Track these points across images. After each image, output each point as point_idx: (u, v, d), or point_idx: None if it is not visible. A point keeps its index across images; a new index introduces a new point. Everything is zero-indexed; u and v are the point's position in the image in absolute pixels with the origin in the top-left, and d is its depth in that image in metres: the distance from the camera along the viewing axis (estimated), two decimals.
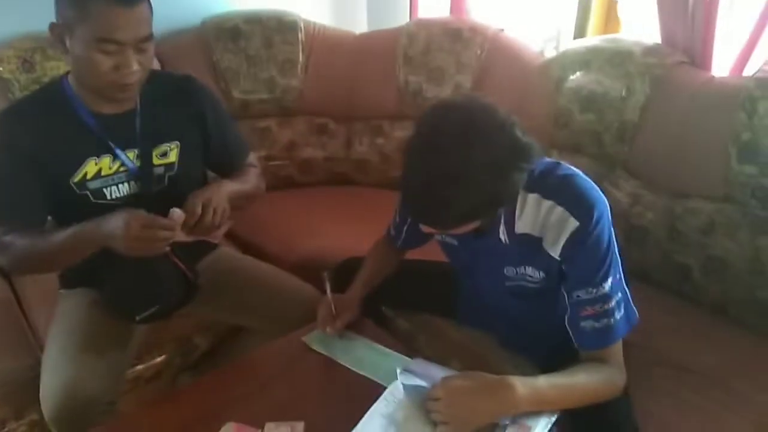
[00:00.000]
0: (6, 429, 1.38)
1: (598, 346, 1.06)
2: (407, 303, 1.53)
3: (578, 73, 1.76)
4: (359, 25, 2.57)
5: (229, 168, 1.46)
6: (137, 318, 1.27)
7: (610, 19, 2.05)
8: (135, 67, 1.15)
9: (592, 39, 1.91)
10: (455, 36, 2.09)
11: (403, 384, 1.02)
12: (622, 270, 1.10)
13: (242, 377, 1.20)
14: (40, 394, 1.20)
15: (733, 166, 1.45)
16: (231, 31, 2.15)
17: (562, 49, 1.92)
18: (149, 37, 1.16)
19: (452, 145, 0.90)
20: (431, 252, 1.33)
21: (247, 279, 1.46)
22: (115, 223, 1.09)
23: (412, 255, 1.46)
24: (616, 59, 1.68)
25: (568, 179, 1.08)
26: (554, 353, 1.15)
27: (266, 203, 2.08)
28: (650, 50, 1.66)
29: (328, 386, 1.18)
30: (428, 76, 2.12)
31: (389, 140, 2.22)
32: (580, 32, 2.10)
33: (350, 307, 1.27)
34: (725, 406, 1.22)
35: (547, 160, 1.12)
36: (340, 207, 2.12)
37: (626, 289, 1.09)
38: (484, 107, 0.94)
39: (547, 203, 1.06)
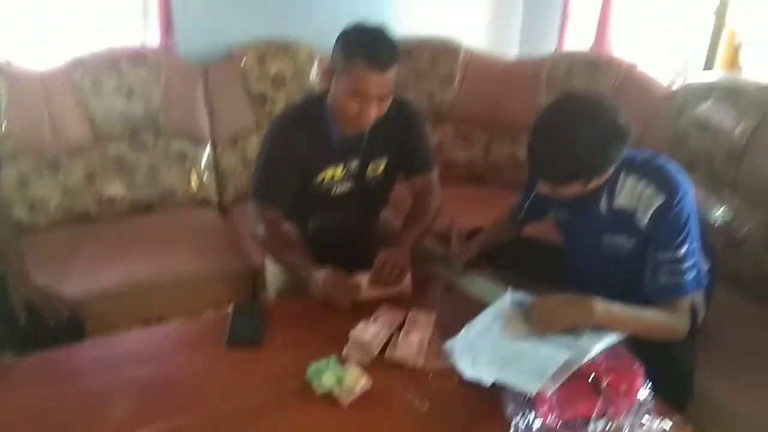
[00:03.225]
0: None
1: (669, 298, 1.36)
2: (519, 268, 1.87)
3: (698, 103, 2.04)
4: (512, 50, 3.00)
5: (410, 175, 1.77)
6: None
7: (734, 62, 2.30)
8: (373, 115, 1.47)
9: (713, 74, 2.18)
10: (593, 66, 2.44)
11: (511, 297, 1.40)
12: (711, 261, 1.48)
13: None
14: (267, 281, 1.76)
15: None
16: (404, 51, 2.66)
17: (688, 81, 2.20)
18: (391, 93, 1.48)
19: (570, 118, 1.28)
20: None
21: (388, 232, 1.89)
22: (317, 276, 1.45)
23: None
24: (731, 93, 1.95)
25: (661, 166, 1.40)
26: None
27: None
28: (762, 88, 1.91)
29: (453, 301, 1.59)
30: None
31: (524, 149, 2.57)
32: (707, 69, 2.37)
33: (469, 251, 1.71)
34: None
35: (648, 152, 1.46)
36: (474, 201, 2.50)
37: (698, 260, 1.38)
38: (599, 96, 1.32)
39: (642, 183, 1.39)
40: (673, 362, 1.38)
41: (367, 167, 1.68)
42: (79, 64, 2.19)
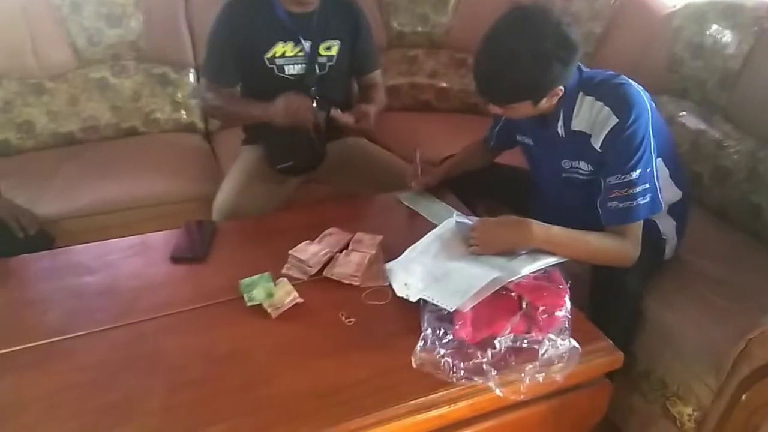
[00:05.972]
0: None
1: (619, 223, 1.31)
2: (488, 194, 1.82)
3: (694, 24, 1.90)
4: None
5: (360, 72, 1.94)
6: (278, 167, 1.77)
7: None
8: None
9: None
10: None
11: (456, 220, 1.37)
12: (685, 190, 1.44)
13: (351, 210, 1.67)
14: (214, 204, 1.76)
15: None
16: None
17: (687, 2, 2.04)
18: None
19: (507, 35, 1.21)
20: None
21: (362, 154, 1.92)
22: (278, 102, 1.63)
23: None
24: (728, 11, 1.81)
25: (619, 86, 1.32)
26: None
27: (406, 120, 2.50)
28: (761, 5, 1.75)
29: (408, 225, 1.58)
30: None
31: None
32: None
33: (434, 173, 1.66)
34: (734, 303, 1.41)
35: (610, 72, 1.37)
36: (467, 131, 2.42)
37: (655, 185, 1.31)
38: (542, 8, 1.23)
39: (598, 104, 1.32)
40: (618, 289, 1.35)
41: (318, 48, 1.77)
42: None
